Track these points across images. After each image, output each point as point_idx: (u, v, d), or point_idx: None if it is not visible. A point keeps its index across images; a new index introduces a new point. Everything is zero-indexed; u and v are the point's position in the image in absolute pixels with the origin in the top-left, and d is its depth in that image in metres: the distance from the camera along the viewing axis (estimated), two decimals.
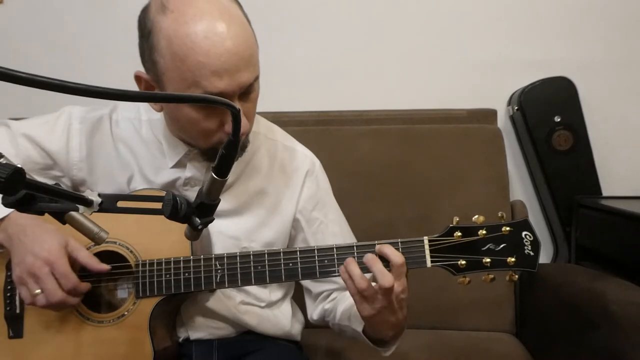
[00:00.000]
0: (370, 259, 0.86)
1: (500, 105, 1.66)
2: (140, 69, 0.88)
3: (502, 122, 1.65)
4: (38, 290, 0.86)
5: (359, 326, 0.96)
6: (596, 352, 1.09)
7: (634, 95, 1.64)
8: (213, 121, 0.85)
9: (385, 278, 0.82)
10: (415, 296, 1.42)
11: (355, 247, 0.90)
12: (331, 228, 1.07)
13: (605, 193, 1.60)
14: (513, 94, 1.65)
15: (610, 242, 1.42)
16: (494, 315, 1.42)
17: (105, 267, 0.90)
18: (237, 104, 0.83)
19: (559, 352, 1.24)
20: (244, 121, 0.84)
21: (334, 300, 1.06)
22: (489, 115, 1.60)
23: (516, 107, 1.60)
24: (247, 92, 0.85)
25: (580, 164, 1.59)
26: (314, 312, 1.09)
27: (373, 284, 0.84)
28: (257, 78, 0.86)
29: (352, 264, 0.86)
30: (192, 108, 0.84)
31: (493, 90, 1.66)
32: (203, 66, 0.78)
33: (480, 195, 1.45)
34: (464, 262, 0.88)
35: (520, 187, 1.70)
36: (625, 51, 1.63)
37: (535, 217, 1.68)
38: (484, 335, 1.38)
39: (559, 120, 1.57)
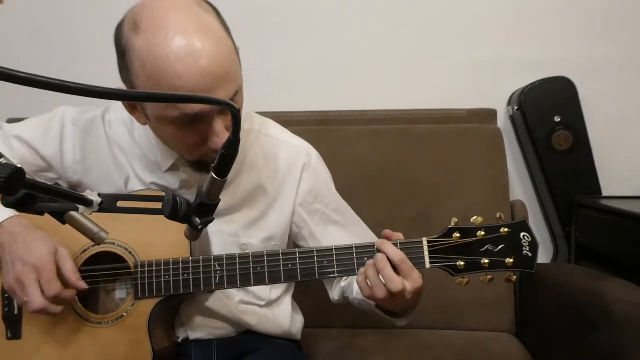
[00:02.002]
0: (381, 261, 0.85)
1: (500, 105, 1.66)
2: None
3: (502, 122, 1.65)
4: (26, 298, 0.85)
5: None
6: (596, 352, 1.09)
7: (634, 95, 1.64)
8: (194, 137, 0.84)
9: (394, 283, 0.83)
10: None
11: (354, 248, 0.90)
12: (334, 218, 1.07)
13: (605, 193, 1.60)
14: (513, 94, 1.65)
15: (610, 242, 1.42)
16: (494, 315, 1.42)
17: (83, 286, 0.88)
18: (217, 122, 0.81)
19: (559, 352, 1.24)
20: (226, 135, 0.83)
21: (349, 278, 1.07)
22: (489, 115, 1.60)
23: (516, 107, 1.60)
24: None
25: (580, 164, 1.58)
26: (334, 292, 1.10)
27: None
28: (237, 92, 0.83)
29: (371, 269, 0.86)
30: (172, 127, 0.82)
31: (493, 90, 1.66)
32: (177, 89, 0.76)
33: (480, 195, 1.45)
34: (462, 263, 0.88)
35: (520, 187, 1.70)
36: (625, 51, 1.63)
37: (535, 217, 1.68)
38: (484, 335, 1.38)
39: (559, 120, 1.57)
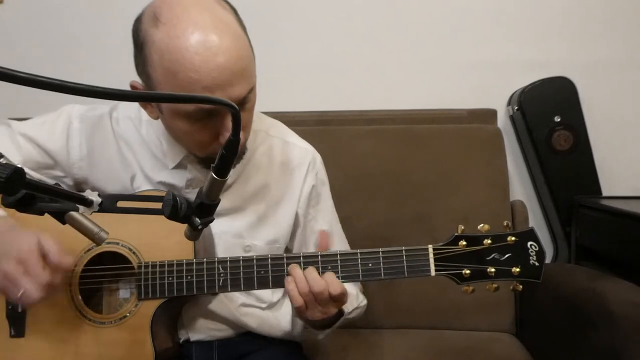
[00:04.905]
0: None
1: (500, 105, 1.66)
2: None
3: (502, 122, 1.65)
4: (20, 293, 0.81)
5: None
6: (596, 352, 1.09)
7: (634, 95, 1.64)
8: (206, 133, 0.84)
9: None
10: (415, 296, 1.43)
11: (359, 254, 0.90)
12: (320, 224, 1.07)
13: (605, 193, 1.60)
14: (513, 94, 1.65)
15: (610, 242, 1.42)
16: (494, 315, 1.42)
17: (67, 260, 0.84)
18: (229, 118, 0.80)
19: (559, 352, 1.24)
20: None
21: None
22: (489, 115, 1.60)
23: (516, 107, 1.60)
24: (241, 103, 0.83)
25: (580, 164, 1.59)
26: None
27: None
28: (252, 89, 0.84)
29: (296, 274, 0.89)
30: (185, 121, 0.83)
31: (493, 90, 1.66)
32: (194, 82, 0.77)
33: (480, 195, 1.45)
34: (468, 271, 0.88)
35: (520, 187, 1.70)
36: (625, 51, 1.63)
37: (535, 217, 1.68)
38: (484, 335, 1.38)
39: (559, 120, 1.57)
